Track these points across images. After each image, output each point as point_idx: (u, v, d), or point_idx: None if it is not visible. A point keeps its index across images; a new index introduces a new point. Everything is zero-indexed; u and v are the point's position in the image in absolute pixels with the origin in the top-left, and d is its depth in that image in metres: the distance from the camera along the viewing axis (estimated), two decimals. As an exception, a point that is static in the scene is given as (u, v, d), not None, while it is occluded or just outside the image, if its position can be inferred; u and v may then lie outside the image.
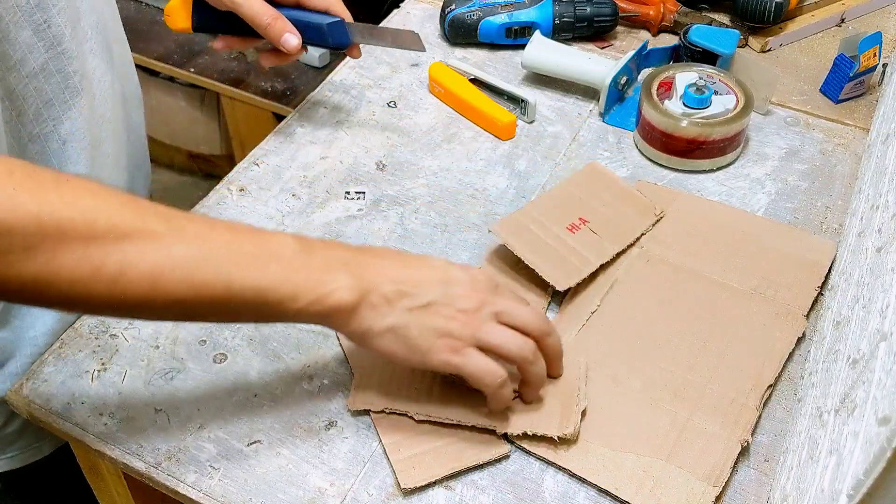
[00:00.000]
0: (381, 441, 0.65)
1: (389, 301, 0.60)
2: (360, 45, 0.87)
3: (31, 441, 0.81)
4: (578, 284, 0.76)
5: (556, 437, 0.63)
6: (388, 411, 0.66)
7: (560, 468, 0.64)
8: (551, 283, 0.74)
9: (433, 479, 0.63)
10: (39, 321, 0.76)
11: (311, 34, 0.83)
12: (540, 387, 0.65)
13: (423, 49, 0.86)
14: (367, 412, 0.67)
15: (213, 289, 0.54)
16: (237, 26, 0.82)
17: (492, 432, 0.65)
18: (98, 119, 0.76)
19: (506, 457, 0.65)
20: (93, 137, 0.74)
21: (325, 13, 0.83)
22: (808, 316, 0.74)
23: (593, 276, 0.76)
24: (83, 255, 0.50)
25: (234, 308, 0.56)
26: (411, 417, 0.66)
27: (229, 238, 0.56)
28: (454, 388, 0.66)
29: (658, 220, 0.81)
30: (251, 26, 0.80)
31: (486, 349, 0.61)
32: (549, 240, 0.78)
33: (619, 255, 0.78)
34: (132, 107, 0.88)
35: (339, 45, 0.85)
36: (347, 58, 1.04)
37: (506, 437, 0.65)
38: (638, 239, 0.79)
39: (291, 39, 0.81)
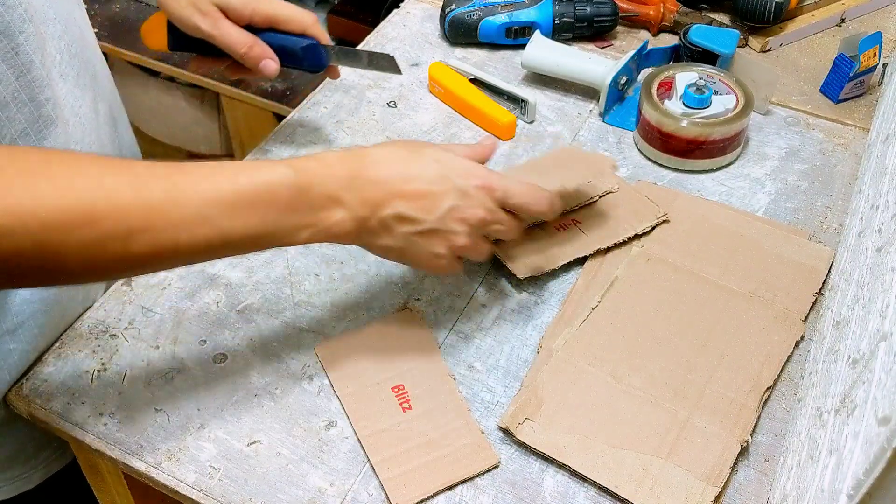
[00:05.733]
0: (368, 460, 0.65)
1: (388, 227, 0.63)
2: (339, 66, 0.86)
3: (21, 471, 0.77)
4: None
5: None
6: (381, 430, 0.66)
7: (560, 466, 0.65)
8: (513, 271, 0.76)
9: (425, 496, 0.63)
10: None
11: (286, 57, 0.82)
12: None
13: (399, 72, 0.85)
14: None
15: (211, 242, 0.57)
16: (213, 47, 0.80)
17: None
18: (75, 147, 0.72)
19: (496, 466, 0.65)
20: None
21: (301, 36, 0.81)
22: (805, 320, 0.74)
23: (594, 273, 0.77)
24: (91, 239, 0.52)
25: (232, 251, 0.60)
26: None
27: (227, 187, 0.57)
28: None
29: (659, 224, 0.81)
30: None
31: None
32: (531, 235, 0.79)
33: (608, 249, 0.78)
34: (122, 126, 0.85)
35: (314, 68, 0.83)
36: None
37: (505, 433, 0.65)
38: (632, 238, 0.80)
39: (270, 65, 0.80)
